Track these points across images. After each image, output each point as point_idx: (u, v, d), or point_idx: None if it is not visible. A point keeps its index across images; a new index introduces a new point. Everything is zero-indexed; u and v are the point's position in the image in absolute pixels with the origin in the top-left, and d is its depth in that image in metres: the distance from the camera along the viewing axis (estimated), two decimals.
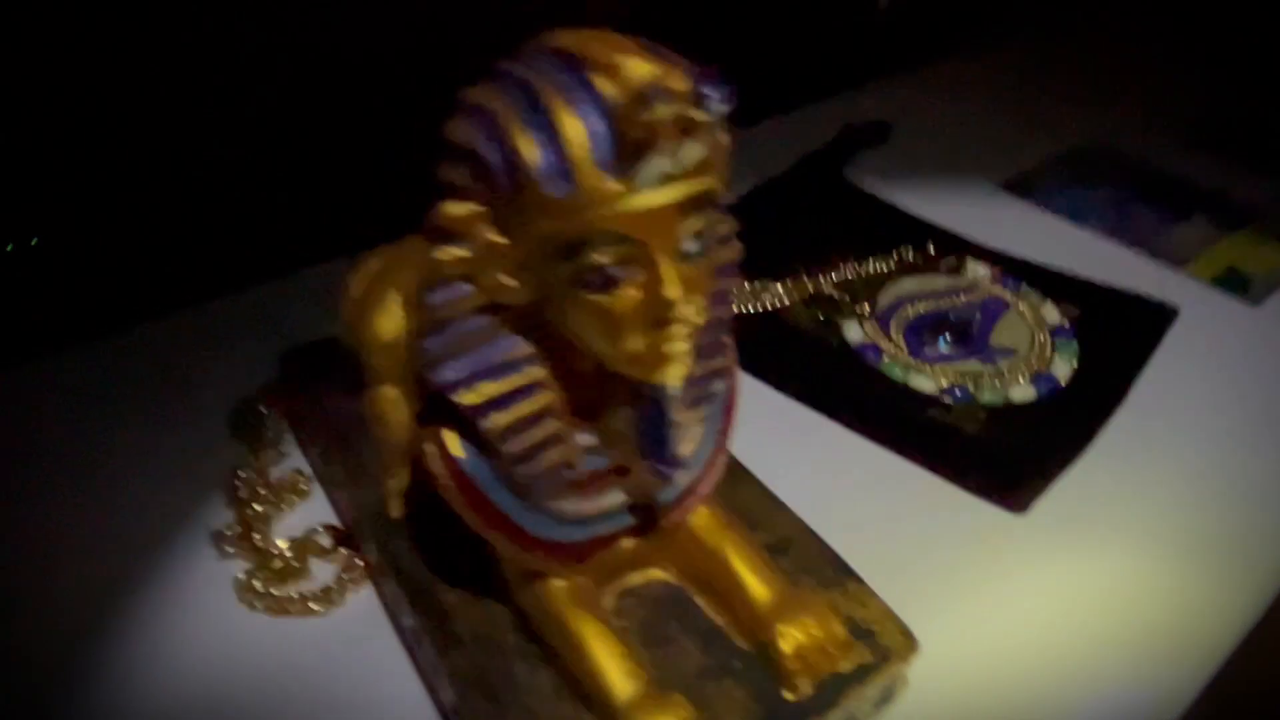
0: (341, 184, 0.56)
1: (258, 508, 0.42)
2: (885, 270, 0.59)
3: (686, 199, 0.23)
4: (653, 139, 0.22)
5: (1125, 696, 0.36)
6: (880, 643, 0.32)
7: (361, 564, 0.39)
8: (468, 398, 0.27)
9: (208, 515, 0.42)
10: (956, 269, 0.59)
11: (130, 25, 0.48)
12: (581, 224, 0.23)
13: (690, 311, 0.24)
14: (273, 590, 0.38)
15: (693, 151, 0.23)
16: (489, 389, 0.27)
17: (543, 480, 0.28)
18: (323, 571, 0.40)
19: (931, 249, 0.60)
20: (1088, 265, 0.59)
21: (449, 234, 0.25)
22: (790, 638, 0.30)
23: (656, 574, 0.34)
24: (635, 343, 0.25)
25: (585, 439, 0.28)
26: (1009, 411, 0.48)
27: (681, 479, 0.30)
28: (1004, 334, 0.53)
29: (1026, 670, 0.37)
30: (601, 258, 0.23)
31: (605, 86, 0.22)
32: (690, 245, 0.24)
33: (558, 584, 0.31)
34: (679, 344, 0.25)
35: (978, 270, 0.59)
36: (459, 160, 0.24)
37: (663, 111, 0.21)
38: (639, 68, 0.22)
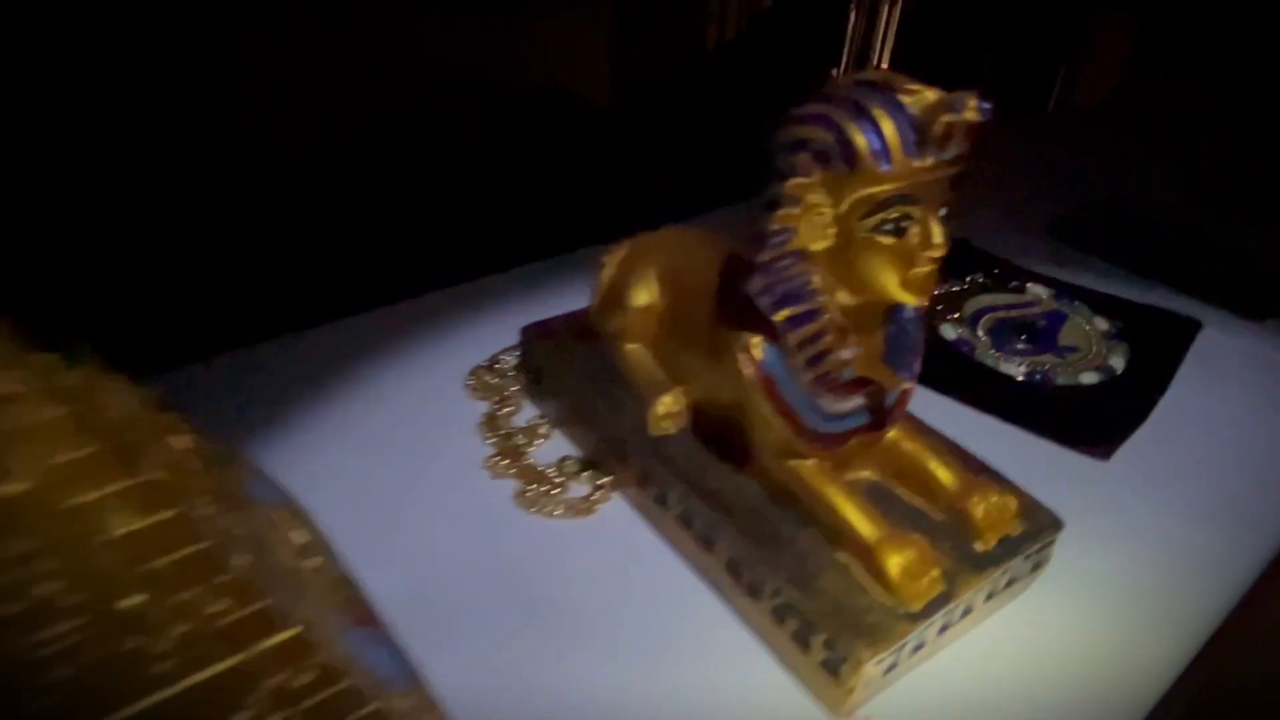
0: (565, 193, 0.70)
1: (518, 441, 0.53)
2: (962, 289, 0.72)
3: (951, 176, 0.36)
4: (952, 133, 0.34)
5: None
6: (1036, 520, 0.44)
7: (608, 481, 0.50)
8: (780, 315, 0.39)
9: (471, 450, 0.53)
10: (1020, 289, 0.72)
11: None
12: (889, 190, 0.35)
13: (942, 254, 0.37)
14: (542, 500, 0.49)
15: (966, 143, 0.35)
16: (793, 310, 0.39)
17: (820, 381, 0.40)
18: (573, 490, 0.51)
19: (998, 273, 0.74)
20: (1120, 290, 0.73)
21: (787, 199, 0.37)
22: (980, 506, 0.42)
23: (864, 474, 0.45)
24: (907, 273, 0.37)
25: (847, 354, 0.40)
26: (1083, 389, 0.61)
27: (904, 384, 0.42)
28: (1067, 337, 0.67)
29: (1135, 561, 0.49)
30: (896, 213, 0.36)
31: (907, 101, 0.35)
32: (943, 210, 0.37)
33: (810, 462, 0.42)
34: (932, 277, 0.37)
35: (1037, 290, 0.72)
36: (800, 150, 0.37)
37: (958, 116, 0.34)
38: (929, 91, 0.35)
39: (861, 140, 0.35)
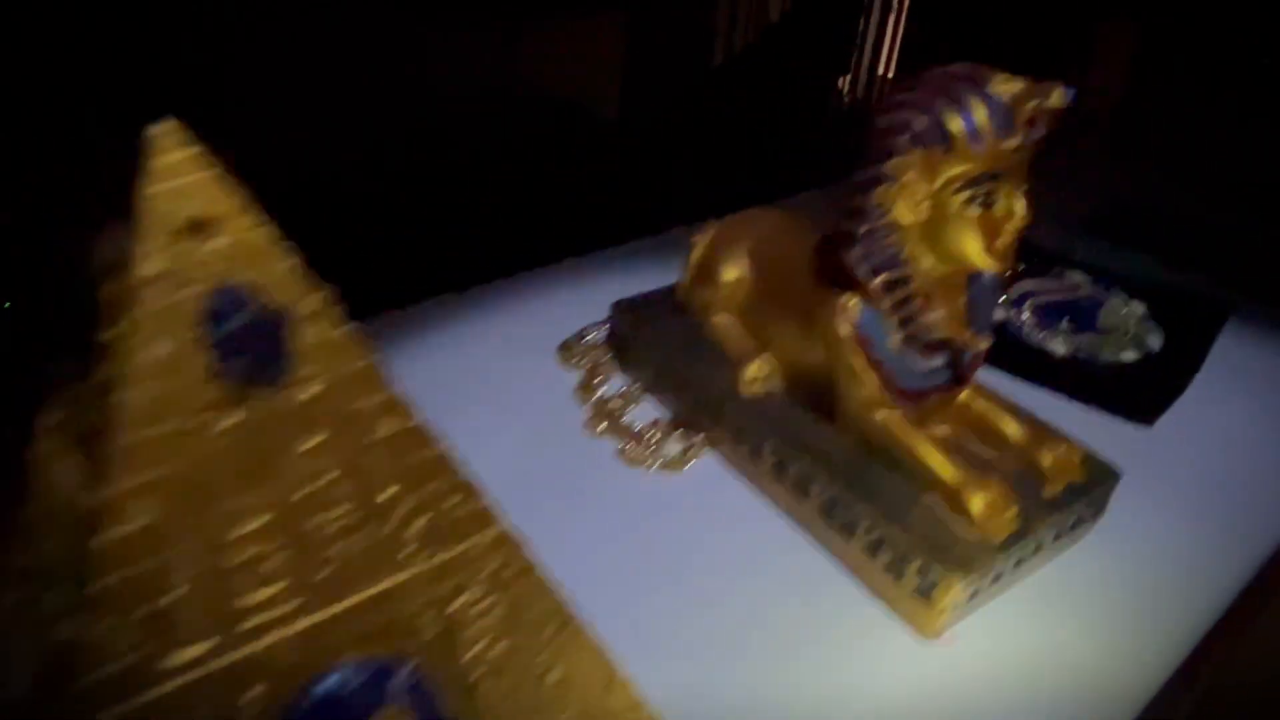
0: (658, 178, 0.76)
1: (613, 406, 0.58)
2: (1007, 275, 0.77)
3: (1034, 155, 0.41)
4: (1040, 118, 0.39)
5: None
6: (1096, 470, 0.49)
7: (700, 439, 0.55)
8: (875, 281, 0.44)
9: (570, 414, 0.58)
10: (1061, 275, 0.77)
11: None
12: (981, 166, 0.40)
13: (1024, 225, 0.42)
14: (640, 457, 0.54)
15: (1049, 126, 0.40)
16: (886, 277, 0.44)
17: (908, 340, 0.45)
18: (667, 448, 0.55)
19: (1039, 260, 0.79)
20: (1154, 277, 0.79)
21: (886, 177, 0.42)
22: (1049, 456, 0.47)
23: (940, 429, 0.50)
24: (992, 243, 0.42)
25: (933, 316, 0.45)
26: (1123, 366, 0.66)
27: (982, 344, 0.47)
28: (1107, 318, 0.72)
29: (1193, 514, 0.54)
30: (985, 189, 0.41)
31: (996, 89, 0.40)
32: (1024, 185, 0.42)
33: (896, 413, 0.47)
34: (1013, 247, 0.42)
35: (1076, 277, 0.77)
36: (899, 133, 0.41)
37: (1044, 102, 0.39)
38: (1013, 80, 0.40)
39: (957, 124, 0.40)
